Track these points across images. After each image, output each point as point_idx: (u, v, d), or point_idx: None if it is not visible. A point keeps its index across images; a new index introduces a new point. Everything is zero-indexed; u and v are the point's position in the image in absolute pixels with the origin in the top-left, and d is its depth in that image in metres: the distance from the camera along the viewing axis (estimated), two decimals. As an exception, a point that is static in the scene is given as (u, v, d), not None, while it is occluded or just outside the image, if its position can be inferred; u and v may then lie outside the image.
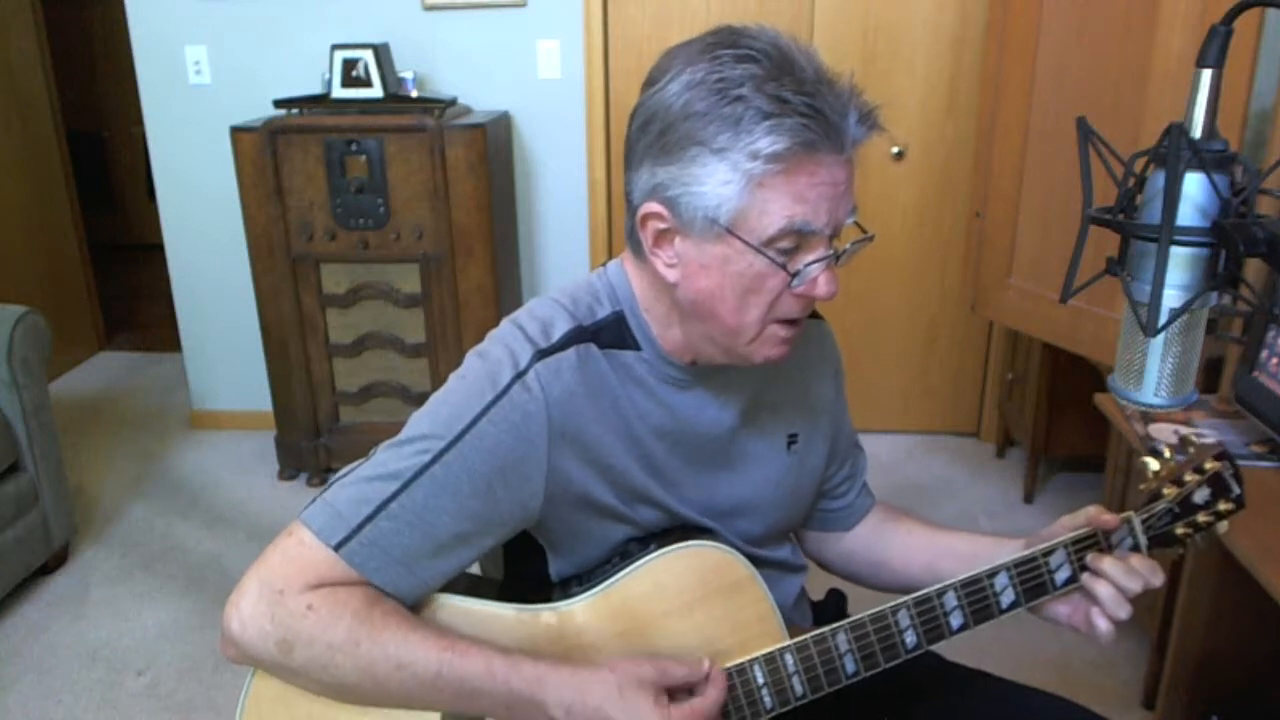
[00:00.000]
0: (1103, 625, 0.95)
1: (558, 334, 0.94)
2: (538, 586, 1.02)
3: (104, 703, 2.11)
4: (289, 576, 0.88)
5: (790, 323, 0.92)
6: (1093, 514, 0.97)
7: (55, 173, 3.99)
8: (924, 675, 1.12)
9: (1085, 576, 0.96)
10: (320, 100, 2.86)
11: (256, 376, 3.09)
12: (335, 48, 2.82)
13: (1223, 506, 0.95)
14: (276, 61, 3.09)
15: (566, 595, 0.98)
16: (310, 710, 0.93)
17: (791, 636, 0.99)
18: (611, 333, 0.96)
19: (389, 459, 0.91)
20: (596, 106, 3.09)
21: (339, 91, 2.83)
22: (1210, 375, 1.88)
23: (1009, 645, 2.14)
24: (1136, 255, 0.80)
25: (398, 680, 0.89)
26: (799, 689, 0.98)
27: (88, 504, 2.93)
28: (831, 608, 1.21)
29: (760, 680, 0.98)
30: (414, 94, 2.91)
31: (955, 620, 0.98)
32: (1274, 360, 1.60)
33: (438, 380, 2.76)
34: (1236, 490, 0.95)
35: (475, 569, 1.06)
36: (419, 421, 0.93)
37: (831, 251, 0.88)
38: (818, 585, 1.20)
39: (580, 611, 0.97)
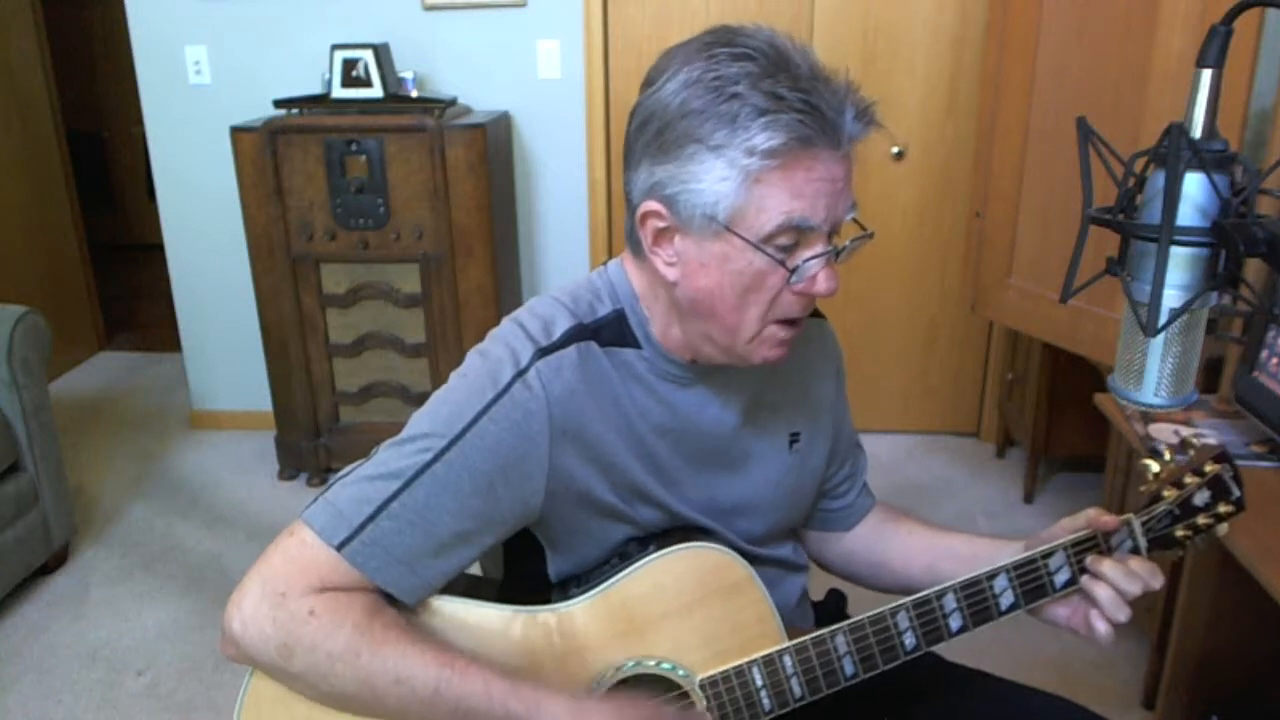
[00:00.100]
0: (1102, 628, 0.95)
1: (558, 332, 0.94)
2: (537, 587, 1.02)
3: (104, 703, 2.11)
4: (291, 577, 0.88)
5: (789, 323, 0.92)
6: (1092, 516, 0.97)
7: (55, 173, 3.99)
8: (923, 675, 1.12)
9: (1084, 579, 0.96)
10: (320, 100, 2.86)
11: (256, 376, 3.09)
12: (335, 48, 2.82)
13: (1223, 509, 0.95)
14: (276, 61, 3.09)
15: (566, 596, 0.98)
16: (309, 711, 0.93)
17: (792, 637, 0.99)
18: (612, 330, 0.96)
19: (390, 458, 0.91)
20: (596, 106, 3.09)
21: (339, 91, 2.83)
22: (1210, 375, 1.88)
23: (1009, 646, 2.13)
24: (1136, 255, 0.80)
25: (395, 695, 0.88)
26: (798, 691, 0.98)
27: (88, 504, 2.93)
28: (831, 608, 1.21)
29: (759, 682, 0.98)
30: (414, 94, 2.91)
31: (954, 622, 0.98)
32: (1274, 360, 1.60)
33: (438, 380, 2.75)
34: (1237, 493, 0.95)
35: (475, 569, 1.06)
36: (420, 420, 0.93)
37: (831, 248, 0.88)
38: (818, 585, 1.20)
39: (580, 612, 0.97)
